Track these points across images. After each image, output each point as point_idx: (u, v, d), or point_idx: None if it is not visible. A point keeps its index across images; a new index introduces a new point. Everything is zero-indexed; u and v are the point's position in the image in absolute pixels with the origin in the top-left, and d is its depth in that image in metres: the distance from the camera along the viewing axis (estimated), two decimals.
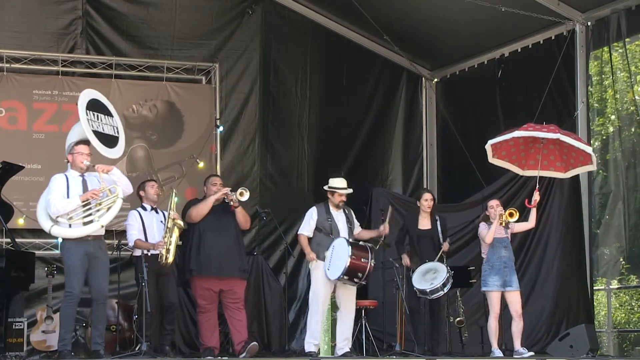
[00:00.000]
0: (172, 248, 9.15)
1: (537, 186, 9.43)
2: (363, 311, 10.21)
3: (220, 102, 12.06)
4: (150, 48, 11.88)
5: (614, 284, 11.58)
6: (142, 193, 9.65)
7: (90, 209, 8.45)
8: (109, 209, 8.46)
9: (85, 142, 8.61)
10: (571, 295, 10.89)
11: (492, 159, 9.64)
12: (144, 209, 9.56)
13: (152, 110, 11.63)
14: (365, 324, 10.11)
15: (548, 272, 10.93)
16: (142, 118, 11.70)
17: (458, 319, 10.49)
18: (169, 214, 9.25)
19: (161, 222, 9.48)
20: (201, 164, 11.75)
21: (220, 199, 9.52)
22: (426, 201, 10.03)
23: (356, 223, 9.82)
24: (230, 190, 9.50)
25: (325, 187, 9.69)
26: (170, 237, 9.17)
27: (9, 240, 9.68)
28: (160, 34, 11.93)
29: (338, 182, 9.68)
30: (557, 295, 10.89)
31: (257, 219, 11.38)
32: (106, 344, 9.30)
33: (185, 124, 11.85)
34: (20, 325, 9.97)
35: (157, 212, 9.59)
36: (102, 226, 8.50)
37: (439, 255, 9.77)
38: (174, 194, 9.34)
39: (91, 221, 8.42)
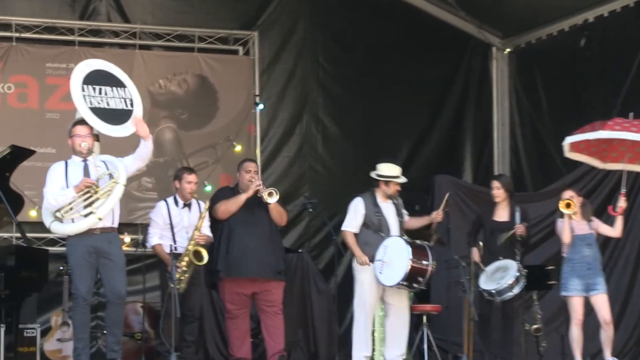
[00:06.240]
0: (186, 276, 8.78)
1: (623, 190, 8.68)
2: (425, 317, 9.79)
3: (260, 76, 11.53)
4: (179, 14, 11.37)
5: None
6: (176, 184, 9.11)
7: (90, 199, 7.89)
8: (108, 196, 7.88)
9: (84, 122, 8.13)
10: None
11: (568, 154, 9.02)
12: (176, 203, 9.04)
13: (181, 86, 11.21)
14: (427, 332, 9.69)
15: None
16: (170, 94, 11.24)
17: (535, 326, 9.78)
18: (194, 234, 8.83)
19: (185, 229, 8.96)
20: (238, 148, 11.23)
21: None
22: (492, 190, 9.41)
23: (404, 212, 9.15)
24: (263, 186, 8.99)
25: (374, 175, 8.91)
26: (186, 263, 8.79)
27: (19, 235, 9.22)
28: None
29: (391, 169, 8.91)
30: None
31: (305, 211, 11.07)
32: (130, 353, 9.24)
33: (219, 101, 11.36)
34: (33, 333, 9.66)
35: (190, 208, 9.07)
36: (100, 219, 7.87)
37: (509, 235, 9.06)
38: (204, 213, 8.88)
39: (90, 213, 7.86)
